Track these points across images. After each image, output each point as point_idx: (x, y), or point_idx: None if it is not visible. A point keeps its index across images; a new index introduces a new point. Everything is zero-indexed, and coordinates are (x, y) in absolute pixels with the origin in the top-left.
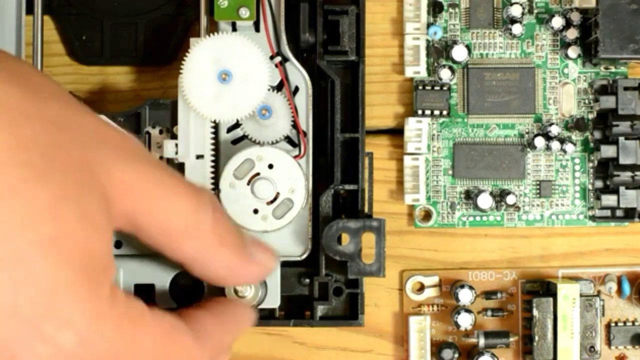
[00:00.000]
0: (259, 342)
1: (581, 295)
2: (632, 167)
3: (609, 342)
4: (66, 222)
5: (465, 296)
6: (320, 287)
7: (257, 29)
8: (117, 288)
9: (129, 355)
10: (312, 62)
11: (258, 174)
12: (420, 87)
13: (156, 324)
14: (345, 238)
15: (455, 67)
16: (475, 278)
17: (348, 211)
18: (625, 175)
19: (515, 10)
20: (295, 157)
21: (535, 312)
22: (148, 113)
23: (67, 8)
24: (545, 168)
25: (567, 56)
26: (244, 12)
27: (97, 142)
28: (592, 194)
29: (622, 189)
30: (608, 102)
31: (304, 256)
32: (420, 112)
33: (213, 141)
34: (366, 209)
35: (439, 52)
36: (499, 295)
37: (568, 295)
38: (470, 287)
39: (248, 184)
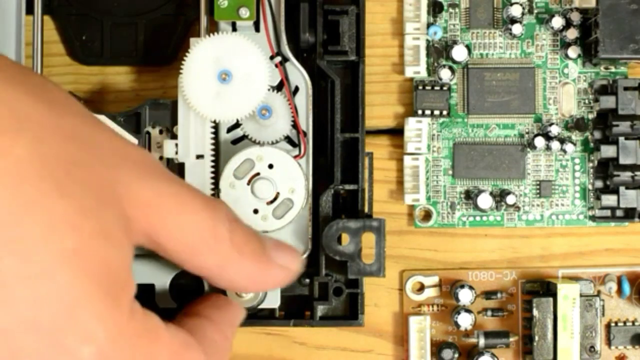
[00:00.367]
0: (259, 342)
1: (581, 295)
2: (632, 167)
3: (609, 342)
4: (87, 236)
5: (465, 296)
6: (320, 287)
7: (257, 29)
8: (136, 303)
9: None
10: (312, 62)
11: (258, 174)
12: (420, 87)
13: (171, 339)
14: (345, 238)
15: (455, 67)
16: (475, 278)
17: (348, 211)
18: (625, 175)
19: (515, 10)
20: (295, 157)
21: (535, 312)
22: (148, 113)
23: (67, 8)
24: (545, 168)
25: (567, 56)
26: (244, 12)
27: (117, 158)
28: (592, 194)
29: (622, 189)
30: (608, 102)
31: (304, 256)
32: (420, 112)
33: (213, 141)
34: (366, 209)
35: (439, 52)
36: (499, 295)
37: (568, 295)
38: (470, 287)
39: (248, 184)
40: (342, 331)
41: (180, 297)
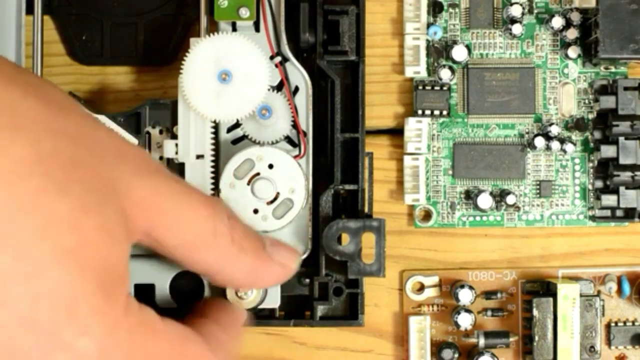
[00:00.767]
0: (259, 342)
1: (581, 295)
2: (632, 167)
3: (609, 342)
4: (85, 233)
5: (465, 296)
6: (320, 287)
7: (257, 29)
8: (132, 298)
9: None
10: (312, 62)
11: (258, 174)
12: (420, 87)
13: (168, 332)
14: (345, 238)
15: (455, 67)
16: (475, 278)
17: (348, 211)
18: (625, 175)
19: (515, 10)
20: (295, 157)
21: (535, 312)
22: (148, 113)
23: (67, 8)
24: (545, 168)
25: (567, 56)
26: (244, 12)
27: (115, 157)
28: (592, 194)
29: (622, 189)
30: (608, 102)
31: (304, 256)
32: (420, 112)
33: (213, 141)
34: (366, 209)
35: (439, 52)
36: (499, 295)
37: (568, 295)
38: (470, 287)
39: (248, 184)
40: (342, 331)
41: (180, 297)
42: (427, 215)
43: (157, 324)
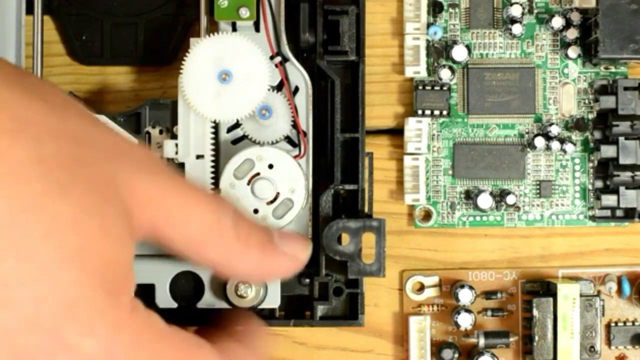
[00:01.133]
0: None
1: (581, 295)
2: (632, 167)
3: (609, 342)
4: (88, 234)
5: (465, 296)
6: (320, 287)
7: (257, 29)
8: (137, 300)
9: None
10: (312, 62)
11: (258, 174)
12: (420, 87)
13: (174, 335)
14: (345, 238)
15: (455, 67)
16: (475, 278)
17: (348, 211)
18: (625, 175)
19: (515, 10)
20: (295, 157)
21: (535, 312)
22: (148, 113)
23: (67, 8)
24: (545, 168)
25: (567, 56)
26: (244, 12)
27: (117, 156)
28: (592, 194)
29: (622, 189)
30: (608, 102)
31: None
32: (420, 112)
33: (213, 141)
34: (366, 209)
35: (439, 52)
36: (499, 295)
37: (568, 295)
38: (470, 287)
39: (248, 184)
40: (342, 331)
41: (180, 297)
42: (427, 215)
43: (163, 327)
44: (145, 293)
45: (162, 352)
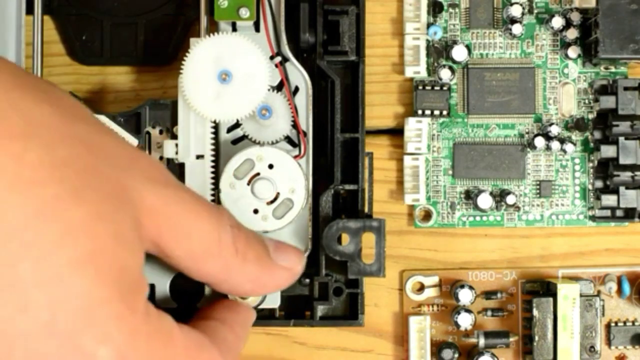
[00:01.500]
0: (259, 342)
1: (581, 295)
2: (632, 167)
3: (609, 342)
4: (102, 239)
5: (465, 296)
6: (320, 287)
7: (257, 29)
8: (150, 304)
9: None
10: (312, 62)
11: (258, 174)
12: (420, 87)
13: (185, 340)
14: (345, 238)
15: (455, 67)
16: (475, 278)
17: (348, 211)
18: (625, 175)
19: (515, 10)
20: (295, 157)
21: (535, 312)
22: (148, 113)
23: (67, 8)
24: (545, 168)
25: (567, 56)
26: (244, 12)
27: (127, 164)
28: (592, 194)
29: (622, 189)
30: (608, 102)
31: (306, 254)
32: (420, 112)
33: (213, 141)
34: (366, 209)
35: (439, 52)
36: (499, 295)
37: (568, 295)
38: (470, 287)
39: (248, 184)
40: (342, 331)
41: (180, 297)
42: (427, 215)
43: (175, 331)
44: None
45: (174, 356)
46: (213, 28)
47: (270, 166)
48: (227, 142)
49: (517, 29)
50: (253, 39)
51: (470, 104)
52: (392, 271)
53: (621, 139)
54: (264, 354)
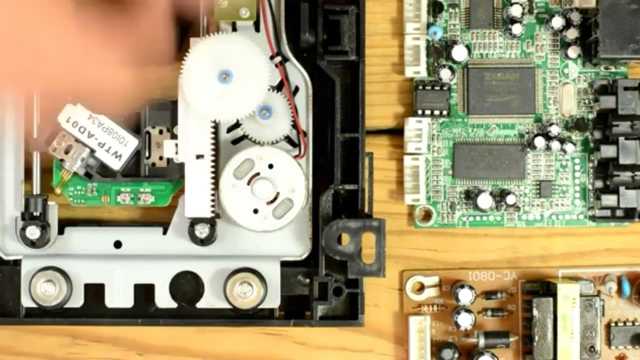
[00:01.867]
0: (259, 342)
1: (581, 295)
2: (632, 167)
3: (609, 342)
4: None
5: (465, 296)
6: (320, 287)
7: (257, 29)
8: None
9: None
10: (312, 62)
11: (258, 173)
12: (420, 87)
13: None
14: (345, 238)
15: (455, 67)
16: (475, 278)
17: (348, 211)
18: (625, 175)
19: (515, 10)
20: (295, 157)
21: (535, 312)
22: (148, 113)
23: None
24: (545, 168)
25: (567, 56)
26: (244, 12)
27: None
28: (592, 194)
29: (622, 189)
30: (608, 102)
31: (304, 256)
32: (420, 112)
33: (213, 141)
34: (366, 209)
35: (439, 52)
36: (499, 295)
37: (568, 295)
38: (470, 287)
39: (248, 184)
40: (342, 331)
41: (180, 297)
42: (427, 215)
43: None
44: (146, 293)
45: None
46: (213, 28)
47: (270, 166)
48: (227, 142)
49: (517, 29)
50: (253, 39)
51: (470, 104)
52: (392, 271)
53: (621, 139)
54: (264, 354)
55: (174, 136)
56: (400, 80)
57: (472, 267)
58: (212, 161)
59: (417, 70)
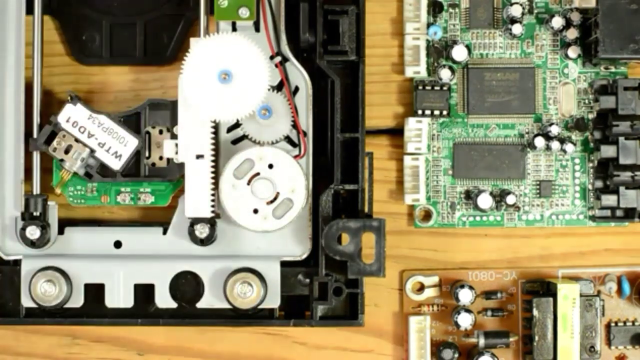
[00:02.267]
0: (259, 342)
1: (581, 295)
2: (632, 167)
3: (609, 342)
4: None
5: (465, 296)
6: (320, 287)
7: (257, 29)
8: None
9: None
10: (312, 62)
11: (258, 173)
12: (420, 87)
13: None
14: (345, 238)
15: (455, 67)
16: (475, 278)
17: (348, 211)
18: (625, 175)
19: (515, 10)
20: (295, 157)
21: (535, 312)
22: (148, 113)
23: (67, 8)
24: (545, 168)
25: (567, 56)
26: (244, 12)
27: None
28: (592, 194)
29: (622, 189)
30: (608, 102)
31: (304, 256)
32: (420, 112)
33: (213, 141)
34: (366, 209)
35: (439, 52)
36: (499, 295)
37: (568, 295)
38: (470, 287)
39: (248, 184)
40: (342, 331)
41: (180, 297)
42: (427, 215)
43: None
44: (146, 293)
45: None
46: (213, 28)
47: (270, 166)
48: (227, 142)
49: (517, 29)
50: (253, 39)
51: (470, 104)
52: (392, 271)
53: (621, 139)
54: (264, 354)
55: (174, 136)
56: (400, 80)
57: (472, 267)
58: (212, 161)
59: (417, 70)
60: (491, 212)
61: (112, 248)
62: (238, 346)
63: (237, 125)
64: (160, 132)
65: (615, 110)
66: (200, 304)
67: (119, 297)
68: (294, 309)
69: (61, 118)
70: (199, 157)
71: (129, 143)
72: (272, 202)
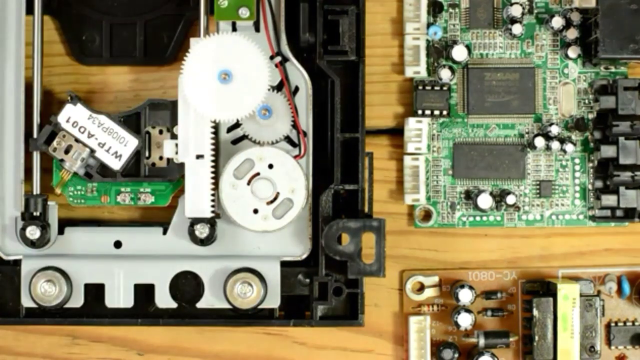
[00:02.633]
0: (259, 342)
1: (581, 295)
2: (632, 167)
3: (609, 342)
4: None
5: (465, 296)
6: (320, 287)
7: (257, 29)
8: None
9: None
10: (312, 62)
11: (258, 174)
12: (420, 87)
13: None
14: (345, 238)
15: (455, 67)
16: (475, 278)
17: (348, 211)
18: (625, 175)
19: (515, 10)
20: (295, 157)
21: (535, 312)
22: (148, 113)
23: (67, 8)
24: (545, 168)
25: (567, 56)
26: (244, 12)
27: None
28: (592, 194)
29: (622, 189)
30: (608, 102)
31: (304, 256)
32: (420, 112)
33: (213, 141)
34: (366, 209)
35: (439, 52)
36: (499, 295)
37: (568, 295)
38: (470, 287)
39: (248, 184)
40: (342, 331)
41: (180, 297)
42: (427, 215)
43: None
44: (146, 293)
45: None
46: (213, 28)
47: (270, 166)
48: (227, 142)
49: (517, 29)
50: (253, 39)
51: (470, 104)
52: (392, 271)
53: (621, 139)
54: (264, 354)
55: (174, 136)
56: (400, 80)
57: (472, 267)
58: (212, 161)
59: (417, 70)
60: (491, 212)
61: (112, 248)
62: (238, 346)
63: (237, 125)
64: (160, 132)
65: (615, 110)
66: (200, 304)
67: (119, 297)
68: (294, 309)
69: (61, 118)
70: (199, 157)
71: (129, 143)
72: (272, 202)
